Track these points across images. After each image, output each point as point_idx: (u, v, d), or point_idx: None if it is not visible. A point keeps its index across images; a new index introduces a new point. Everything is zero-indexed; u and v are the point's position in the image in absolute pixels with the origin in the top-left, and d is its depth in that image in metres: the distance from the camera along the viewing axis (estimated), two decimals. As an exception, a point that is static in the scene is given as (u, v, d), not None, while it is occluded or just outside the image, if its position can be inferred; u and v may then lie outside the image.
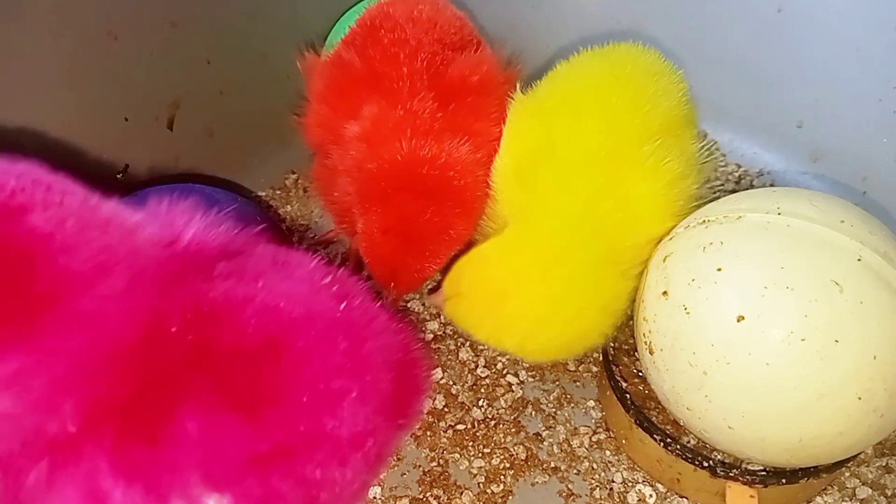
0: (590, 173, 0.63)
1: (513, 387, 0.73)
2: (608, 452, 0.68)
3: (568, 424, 0.70)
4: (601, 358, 0.71)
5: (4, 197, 0.39)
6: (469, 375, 0.74)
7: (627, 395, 0.65)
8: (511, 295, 0.62)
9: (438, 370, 0.74)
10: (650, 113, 0.65)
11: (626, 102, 0.65)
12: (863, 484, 0.65)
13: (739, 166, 0.92)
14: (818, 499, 0.65)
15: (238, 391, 0.46)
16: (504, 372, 0.74)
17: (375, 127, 0.67)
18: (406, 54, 0.68)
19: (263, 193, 0.89)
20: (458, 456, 0.68)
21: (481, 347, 0.76)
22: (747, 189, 0.70)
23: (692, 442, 0.63)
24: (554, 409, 0.72)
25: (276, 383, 0.47)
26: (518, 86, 0.69)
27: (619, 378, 0.66)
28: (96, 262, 0.42)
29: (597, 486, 0.66)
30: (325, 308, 0.51)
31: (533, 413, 0.71)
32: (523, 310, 0.62)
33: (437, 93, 0.67)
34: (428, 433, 0.69)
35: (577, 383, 0.74)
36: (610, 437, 0.69)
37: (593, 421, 0.71)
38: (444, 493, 0.66)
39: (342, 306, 0.51)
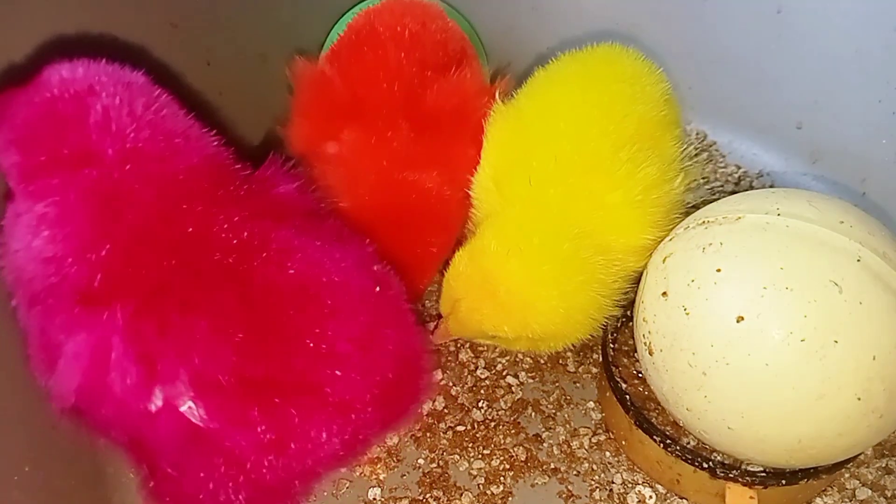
0: (563, 184, 0.63)
1: (512, 388, 0.73)
2: (608, 454, 0.68)
3: (568, 426, 0.70)
4: (601, 359, 0.71)
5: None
6: (469, 377, 0.74)
7: (627, 397, 0.65)
8: (501, 281, 0.62)
9: (438, 371, 0.74)
10: (625, 119, 0.65)
11: (599, 109, 0.65)
12: (862, 485, 0.65)
13: (739, 167, 0.92)
14: (818, 500, 0.65)
15: (254, 316, 0.50)
16: (504, 373, 0.74)
17: (352, 153, 0.68)
18: (385, 77, 0.68)
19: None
20: (458, 457, 0.68)
21: (481, 349, 0.76)
22: (747, 190, 0.69)
23: (692, 443, 0.63)
24: (554, 411, 0.71)
25: (290, 323, 0.51)
26: (498, 95, 0.70)
27: (618, 379, 0.66)
28: (156, 145, 0.51)
29: (596, 487, 0.66)
30: (362, 284, 0.55)
31: (533, 414, 0.71)
32: (515, 288, 0.62)
33: (414, 121, 0.68)
34: (428, 434, 0.69)
35: (577, 384, 0.74)
36: (610, 438, 0.69)
37: (593, 422, 0.71)
38: (443, 494, 0.66)
39: (377, 289, 0.56)
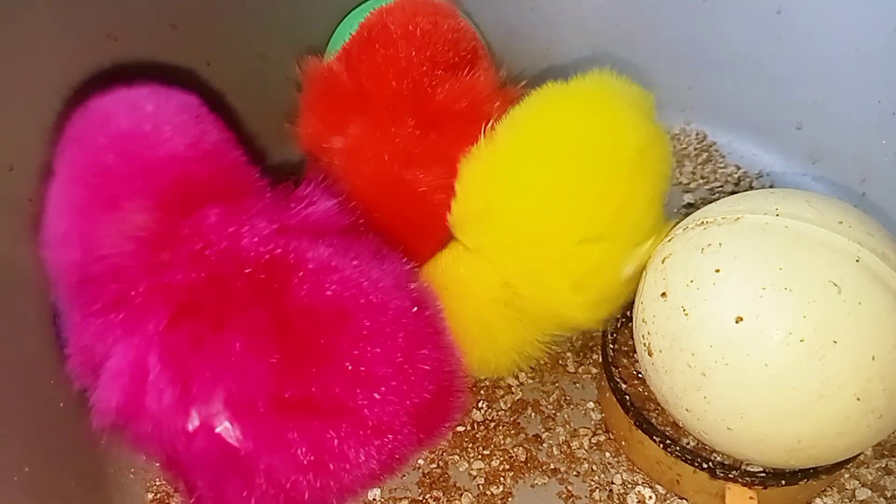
0: (507, 234, 0.63)
1: (512, 388, 0.73)
2: (608, 454, 0.68)
3: (567, 426, 0.70)
4: (601, 359, 0.71)
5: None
6: (469, 376, 0.74)
7: (627, 397, 0.65)
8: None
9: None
10: (591, 178, 0.62)
11: (563, 164, 0.62)
12: (862, 485, 0.65)
13: (739, 168, 0.92)
14: (817, 500, 0.65)
15: (291, 337, 0.50)
16: (504, 373, 0.74)
17: (357, 146, 0.68)
18: (395, 74, 0.67)
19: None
20: (458, 458, 0.68)
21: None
22: (746, 190, 0.69)
23: (692, 443, 0.63)
24: (553, 411, 0.71)
25: (328, 345, 0.51)
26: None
27: (618, 379, 0.66)
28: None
29: (596, 487, 0.66)
30: (400, 304, 0.55)
31: (532, 415, 0.71)
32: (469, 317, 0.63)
33: (421, 118, 0.67)
34: (427, 435, 0.69)
35: (577, 385, 0.74)
36: (609, 438, 0.69)
37: (593, 422, 0.71)
38: (443, 494, 0.66)
39: (415, 309, 0.56)
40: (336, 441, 0.51)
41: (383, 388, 0.52)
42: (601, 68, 0.68)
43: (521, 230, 0.62)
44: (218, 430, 0.50)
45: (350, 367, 0.52)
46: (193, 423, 0.49)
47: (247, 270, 0.51)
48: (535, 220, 0.62)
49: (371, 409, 0.52)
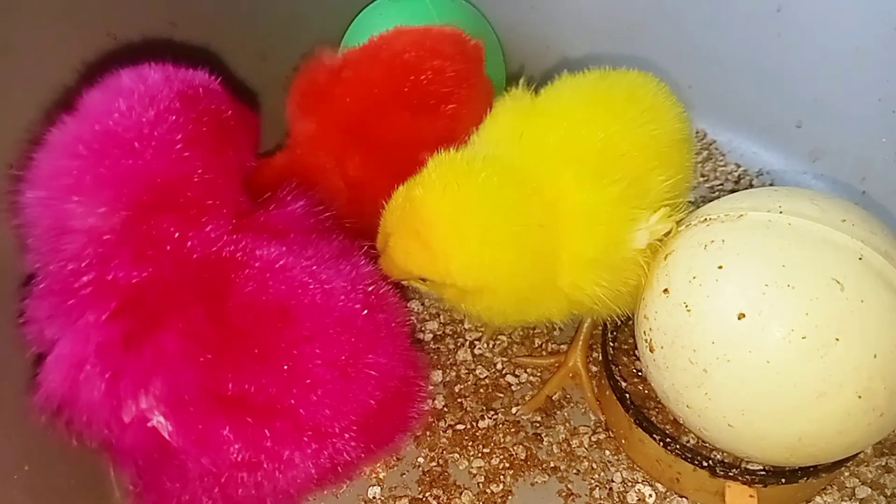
0: (538, 162, 0.60)
1: (512, 387, 0.73)
2: (608, 452, 0.68)
3: (567, 424, 0.70)
4: (600, 357, 0.71)
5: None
6: (468, 375, 0.74)
7: (627, 395, 0.65)
8: (428, 217, 0.58)
9: (438, 371, 0.74)
10: (624, 140, 0.61)
11: (609, 124, 0.62)
12: (862, 483, 0.65)
13: (739, 166, 0.93)
14: (817, 498, 0.65)
15: (229, 334, 0.50)
16: (503, 372, 0.74)
17: (309, 137, 0.72)
18: (355, 92, 0.71)
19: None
20: (458, 456, 0.68)
21: (480, 349, 0.76)
22: (746, 188, 0.69)
23: (691, 441, 0.63)
24: (553, 409, 0.71)
25: (267, 344, 0.51)
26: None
27: (618, 378, 0.66)
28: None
29: (596, 485, 0.66)
30: (349, 307, 0.54)
31: (532, 413, 0.71)
32: (439, 227, 0.57)
33: (354, 131, 0.71)
34: (427, 433, 0.69)
35: (577, 383, 0.73)
36: (609, 436, 0.69)
37: (592, 421, 0.71)
38: (443, 492, 0.66)
39: (364, 312, 0.54)
40: (270, 441, 0.51)
41: (321, 391, 0.52)
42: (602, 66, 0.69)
43: (550, 155, 0.61)
44: (151, 423, 0.50)
45: (287, 368, 0.51)
46: (127, 415, 0.49)
47: (191, 271, 0.51)
48: (563, 150, 0.61)
49: (307, 411, 0.52)
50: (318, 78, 0.73)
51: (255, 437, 0.51)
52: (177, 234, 0.51)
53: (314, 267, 0.54)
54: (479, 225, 0.57)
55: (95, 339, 0.49)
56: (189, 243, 0.52)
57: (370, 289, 0.56)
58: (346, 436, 0.54)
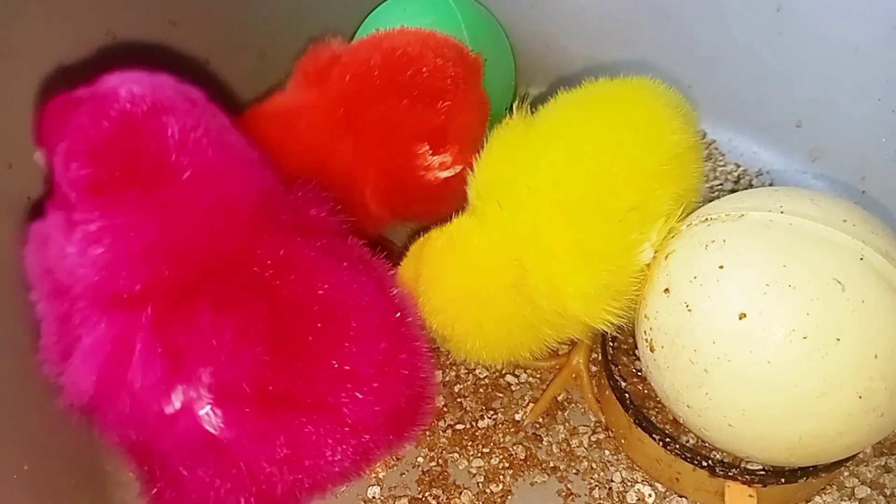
0: (524, 212, 0.62)
1: (512, 387, 0.73)
2: (607, 452, 0.68)
3: (567, 424, 0.70)
4: (600, 357, 0.71)
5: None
6: (468, 375, 0.74)
7: (626, 395, 0.65)
8: (425, 262, 0.63)
9: (438, 371, 0.74)
10: (615, 166, 0.61)
11: (594, 151, 0.62)
12: (861, 483, 0.65)
13: (738, 166, 0.92)
14: (817, 498, 0.65)
15: (280, 331, 0.51)
16: (503, 372, 0.74)
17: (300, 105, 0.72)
18: (353, 70, 0.71)
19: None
20: (458, 455, 0.68)
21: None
22: (746, 188, 0.69)
23: (691, 441, 0.63)
24: (553, 409, 0.71)
25: (316, 343, 0.52)
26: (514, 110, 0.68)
27: (618, 377, 0.66)
28: (220, 164, 0.52)
29: (596, 485, 0.66)
30: (385, 309, 0.56)
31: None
32: (429, 272, 0.63)
33: (345, 103, 0.71)
34: (427, 433, 0.69)
35: (578, 384, 0.73)
36: (609, 436, 0.69)
37: (592, 420, 0.71)
38: (443, 492, 0.66)
39: (398, 314, 0.57)
40: (314, 437, 0.52)
41: (365, 389, 0.53)
42: (602, 70, 0.69)
43: (540, 197, 0.61)
44: (200, 413, 0.49)
45: (336, 365, 0.52)
46: (175, 404, 0.49)
47: (254, 269, 0.52)
48: (555, 190, 0.61)
49: (351, 408, 0.53)
50: (321, 58, 0.73)
51: (300, 433, 0.52)
52: (227, 225, 0.52)
53: (352, 270, 0.56)
54: (452, 282, 0.62)
55: (149, 322, 0.49)
56: (258, 249, 0.53)
57: (394, 292, 0.59)
58: (381, 431, 0.55)
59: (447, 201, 0.70)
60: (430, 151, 0.70)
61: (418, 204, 0.73)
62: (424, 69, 0.71)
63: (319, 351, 0.52)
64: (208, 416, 0.50)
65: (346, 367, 0.53)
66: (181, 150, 0.50)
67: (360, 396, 0.53)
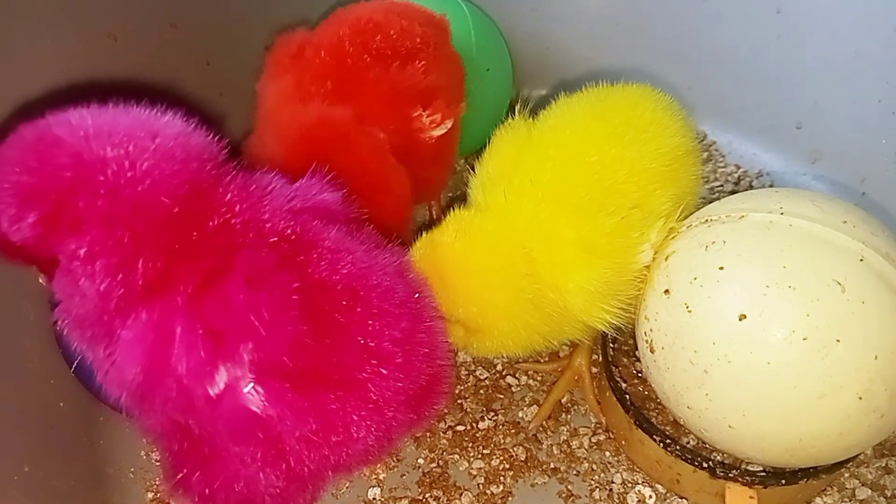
0: (532, 204, 0.62)
1: (512, 388, 0.73)
2: (608, 453, 0.68)
3: (568, 426, 0.70)
4: (601, 359, 0.71)
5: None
6: (469, 377, 0.74)
7: (627, 396, 0.65)
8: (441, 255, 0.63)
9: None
10: (616, 163, 0.62)
11: (596, 148, 0.63)
12: (862, 485, 0.65)
13: (738, 167, 0.93)
14: (818, 499, 0.65)
15: (311, 309, 0.51)
16: (504, 373, 0.74)
17: (283, 94, 0.69)
18: (328, 47, 0.70)
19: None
20: (458, 457, 0.68)
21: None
22: (746, 190, 0.69)
23: (692, 443, 0.63)
24: (555, 411, 0.71)
25: (343, 320, 0.52)
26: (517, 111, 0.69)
27: (618, 379, 0.66)
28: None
29: (596, 486, 0.66)
30: (405, 290, 0.57)
31: (532, 414, 0.71)
32: (450, 265, 0.63)
33: (337, 87, 0.69)
34: (427, 434, 0.69)
35: (577, 384, 0.73)
36: (609, 438, 0.69)
37: (593, 422, 0.71)
38: (443, 494, 0.66)
39: (416, 295, 0.58)
40: (341, 413, 0.52)
41: (390, 366, 0.54)
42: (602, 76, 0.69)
43: (543, 192, 0.62)
44: (245, 390, 0.49)
45: (362, 342, 0.53)
46: (220, 385, 0.49)
47: (272, 239, 0.52)
48: (558, 184, 0.62)
49: (376, 385, 0.53)
50: (292, 43, 0.72)
51: (327, 410, 0.52)
52: (250, 202, 0.53)
53: (370, 252, 0.57)
54: (480, 269, 0.62)
55: (186, 307, 0.48)
56: (265, 214, 0.53)
57: (409, 274, 0.60)
58: (403, 409, 0.55)
59: (442, 163, 0.73)
60: (425, 112, 0.70)
61: (419, 168, 0.72)
62: (392, 32, 0.70)
63: (346, 328, 0.52)
64: (251, 394, 0.50)
65: (372, 344, 0.53)
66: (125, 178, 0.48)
67: (385, 372, 0.53)
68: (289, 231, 0.53)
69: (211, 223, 0.50)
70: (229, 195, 0.52)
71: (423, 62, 0.71)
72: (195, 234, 0.50)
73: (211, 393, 0.49)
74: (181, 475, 0.53)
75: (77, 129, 0.48)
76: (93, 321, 0.50)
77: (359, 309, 0.53)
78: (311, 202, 0.57)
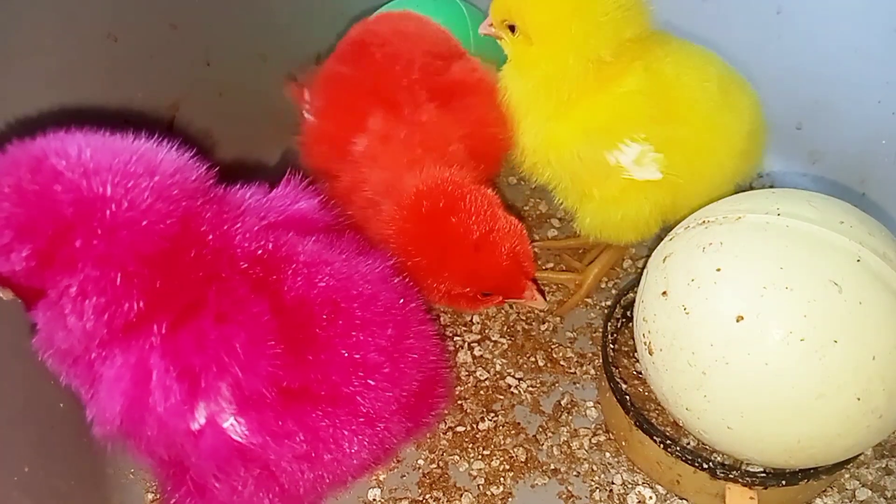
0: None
1: (512, 388, 0.73)
2: (608, 454, 0.68)
3: (568, 426, 0.70)
4: (601, 360, 0.71)
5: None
6: (469, 378, 0.74)
7: (627, 397, 0.65)
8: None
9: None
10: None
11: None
12: (862, 485, 0.65)
13: (739, 168, 0.92)
14: (818, 500, 0.65)
15: (287, 328, 0.51)
16: (503, 374, 0.74)
17: (382, 145, 0.68)
18: (401, 67, 0.71)
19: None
20: (458, 458, 0.68)
21: (480, 350, 0.76)
22: (746, 190, 0.69)
23: (692, 443, 0.63)
24: (554, 411, 0.71)
25: (324, 334, 0.52)
26: None
27: (618, 380, 0.66)
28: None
29: (596, 487, 0.66)
30: (389, 297, 0.57)
31: (532, 415, 0.71)
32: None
33: (436, 96, 0.70)
34: (427, 435, 0.69)
35: (577, 385, 0.73)
36: (610, 438, 0.69)
37: (593, 423, 0.71)
38: (443, 495, 0.66)
39: (401, 301, 0.57)
40: (331, 430, 0.52)
41: (377, 376, 0.53)
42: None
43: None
44: (225, 424, 0.50)
45: (346, 355, 0.53)
46: (200, 420, 0.49)
47: (242, 266, 0.51)
48: None
49: (365, 397, 0.53)
50: (352, 86, 0.73)
51: (317, 427, 0.52)
52: (221, 229, 0.52)
53: (351, 260, 0.56)
54: None
55: (162, 346, 0.48)
56: (235, 238, 0.52)
57: (395, 280, 0.59)
58: (394, 419, 0.56)
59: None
60: None
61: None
62: (441, 35, 0.76)
63: (328, 342, 0.52)
64: (233, 426, 0.50)
65: (357, 356, 0.53)
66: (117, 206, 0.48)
67: (373, 384, 0.53)
68: (260, 252, 0.52)
69: (188, 256, 0.50)
70: (204, 226, 0.52)
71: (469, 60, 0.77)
72: (175, 269, 0.50)
73: (192, 428, 0.49)
74: (175, 501, 0.54)
75: (77, 164, 0.48)
76: (76, 357, 0.50)
77: (340, 321, 0.53)
78: (285, 214, 0.57)
